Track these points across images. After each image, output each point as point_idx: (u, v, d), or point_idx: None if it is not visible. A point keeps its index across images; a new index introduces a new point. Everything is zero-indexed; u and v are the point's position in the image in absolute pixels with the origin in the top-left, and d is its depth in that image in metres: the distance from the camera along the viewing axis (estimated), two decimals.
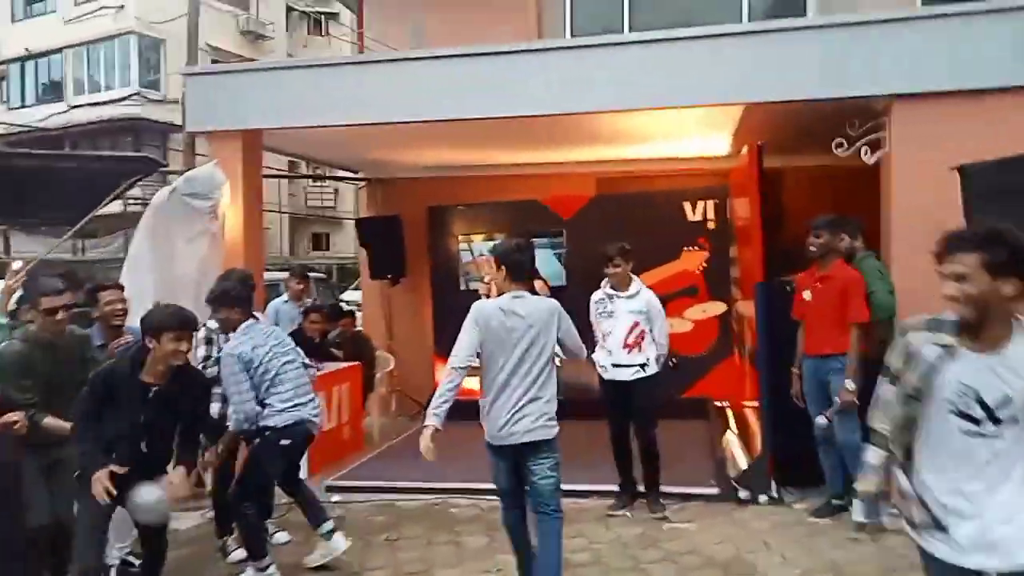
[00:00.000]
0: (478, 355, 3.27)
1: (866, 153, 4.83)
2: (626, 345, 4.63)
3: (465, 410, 3.59)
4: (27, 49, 20.95)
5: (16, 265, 6.03)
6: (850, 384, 4.16)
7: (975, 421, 1.88)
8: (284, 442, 3.83)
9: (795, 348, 4.63)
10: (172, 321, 3.06)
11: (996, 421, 1.87)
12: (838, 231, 4.43)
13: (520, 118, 5.33)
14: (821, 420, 4.29)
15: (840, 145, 4.90)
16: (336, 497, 5.07)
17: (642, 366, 4.61)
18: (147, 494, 3.10)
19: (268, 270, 8.22)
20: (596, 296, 4.83)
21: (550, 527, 3.26)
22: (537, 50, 5.59)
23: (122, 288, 3.98)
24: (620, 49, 5.37)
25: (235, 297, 3.88)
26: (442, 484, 5.00)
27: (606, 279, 4.75)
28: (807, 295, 4.50)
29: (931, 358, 1.92)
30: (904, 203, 4.48)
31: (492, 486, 4.83)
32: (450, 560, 4.12)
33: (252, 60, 20.17)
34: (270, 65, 7.72)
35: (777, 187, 7.53)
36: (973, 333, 1.89)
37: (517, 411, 3.20)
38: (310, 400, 3.98)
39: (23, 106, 21.25)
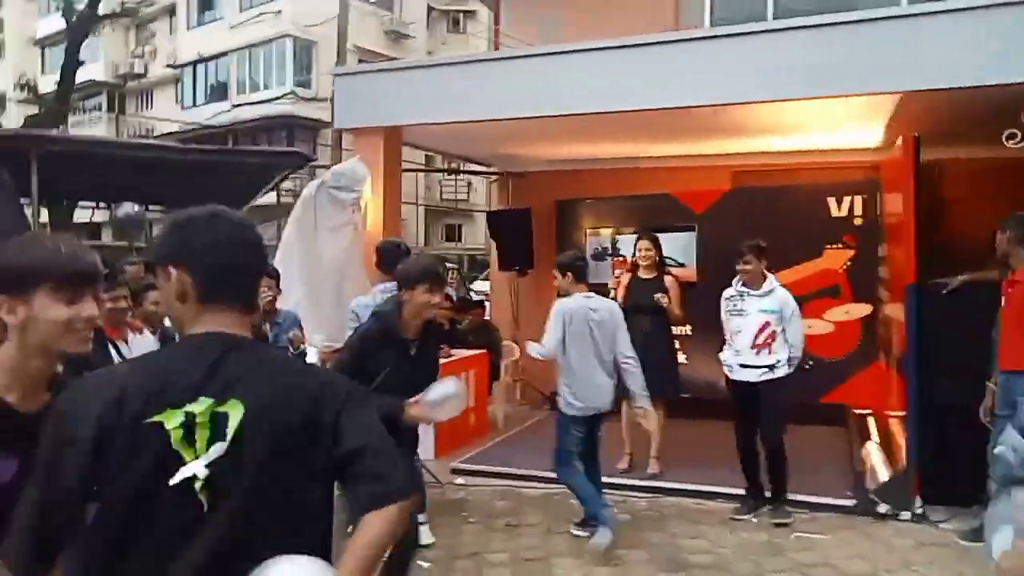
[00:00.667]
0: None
1: None
2: (755, 345, 4.48)
3: None
4: (199, 53, 23.07)
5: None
6: None
7: None
8: None
9: (980, 358, 4.22)
10: (425, 274, 3.12)
11: None
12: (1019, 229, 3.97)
13: (657, 111, 5.25)
14: (1002, 451, 3.82)
15: (1013, 136, 4.45)
16: (460, 480, 5.25)
17: (771, 367, 4.44)
18: (444, 387, 3.02)
19: None
20: (727, 293, 4.69)
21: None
22: (674, 41, 5.47)
23: (272, 276, 4.30)
24: (762, 37, 5.15)
25: None
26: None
27: (738, 276, 4.60)
28: (1003, 301, 4.08)
29: None
30: None
31: (615, 480, 4.93)
32: (568, 550, 4.16)
33: (395, 59, 21.15)
34: (408, 64, 8.05)
35: (936, 181, 6.94)
36: None
37: (600, 387, 4.16)
38: None
39: (194, 106, 23.43)
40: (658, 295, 5.19)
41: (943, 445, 4.44)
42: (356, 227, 5.23)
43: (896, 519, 4.41)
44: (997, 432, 3.83)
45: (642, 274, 5.37)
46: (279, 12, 21.46)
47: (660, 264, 5.39)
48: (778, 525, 4.35)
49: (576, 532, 4.29)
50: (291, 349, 4.54)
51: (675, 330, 5.73)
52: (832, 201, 6.84)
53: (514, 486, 5.18)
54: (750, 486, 4.59)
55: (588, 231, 7.83)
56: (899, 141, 5.07)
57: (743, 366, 4.51)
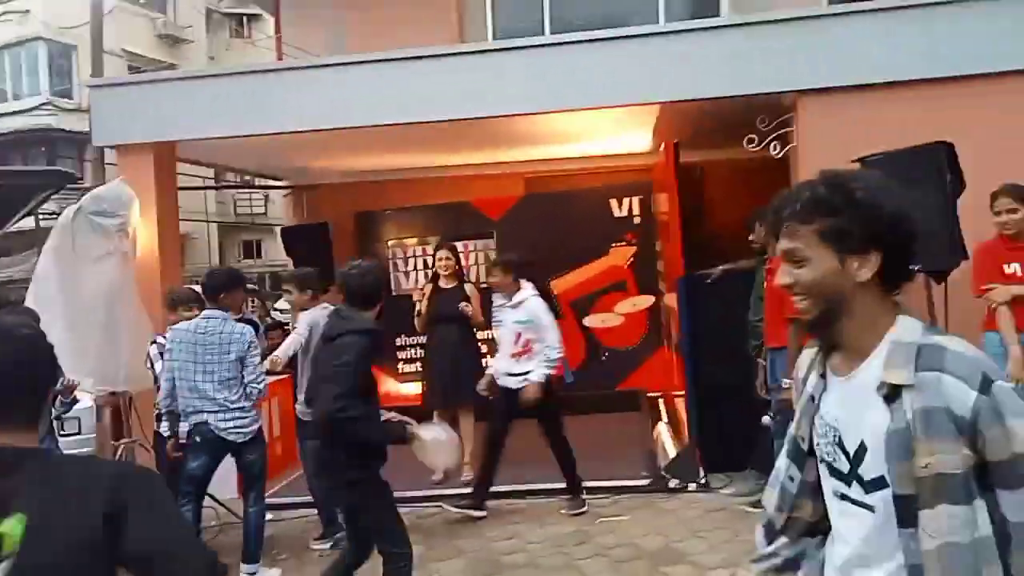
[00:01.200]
0: None
1: (775, 148, 5.00)
2: (513, 355, 4.71)
3: None
4: None
5: None
6: (785, 381, 4.10)
7: (843, 479, 1.26)
8: None
9: (741, 338, 4.69)
10: None
11: (861, 481, 1.22)
12: None
13: (442, 123, 5.33)
14: (766, 420, 4.24)
15: (751, 141, 5.06)
16: (269, 515, 4.96)
17: (527, 375, 4.62)
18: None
19: (197, 280, 7.98)
20: (494, 304, 4.90)
21: None
22: (457, 54, 5.58)
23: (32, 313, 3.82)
24: (538, 52, 5.42)
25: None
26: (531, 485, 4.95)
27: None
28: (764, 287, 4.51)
29: (811, 386, 1.34)
30: None
31: (423, 493, 4.94)
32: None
33: (171, 65, 19.55)
34: (180, 75, 7.49)
35: (698, 181, 7.74)
36: (827, 342, 1.31)
37: None
38: None
39: None
40: (463, 304, 5.29)
41: (719, 419, 4.95)
42: (125, 255, 4.73)
43: (685, 491, 4.84)
44: (775, 404, 4.30)
45: (443, 284, 5.43)
46: (27, 11, 19.00)
47: (460, 273, 5.50)
48: (576, 515, 4.58)
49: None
50: (60, 399, 4.05)
51: (479, 335, 5.87)
52: (614, 202, 7.38)
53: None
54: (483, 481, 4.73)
55: (390, 242, 7.77)
56: (662, 147, 5.58)
57: (507, 374, 4.72)
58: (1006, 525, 1.14)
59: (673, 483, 4.89)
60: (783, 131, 4.98)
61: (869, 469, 1.21)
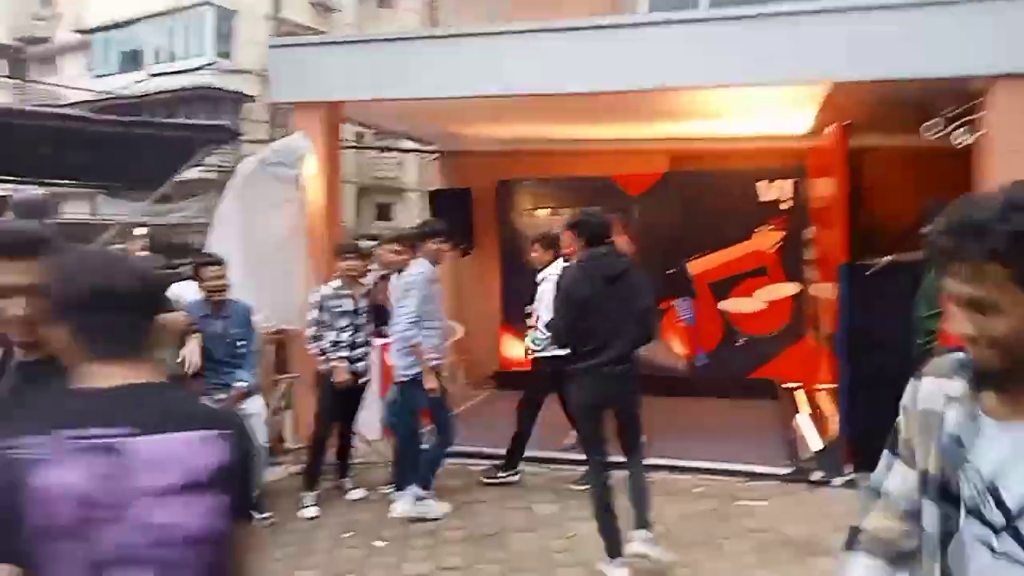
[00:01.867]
0: None
1: (962, 135, 4.66)
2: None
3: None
4: (111, 19, 21.69)
5: (139, 232, 6.41)
6: None
7: (993, 529, 1.11)
8: None
9: (903, 333, 4.48)
10: None
11: (1018, 536, 1.08)
12: None
13: (596, 94, 5.32)
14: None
15: (931, 128, 4.74)
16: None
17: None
18: None
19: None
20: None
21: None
22: (614, 26, 5.54)
23: (220, 263, 4.25)
24: (698, 25, 5.29)
25: None
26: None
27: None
28: None
29: (953, 426, 1.17)
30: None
31: (561, 455, 5.06)
32: (523, 525, 4.25)
33: (321, 32, 20.49)
34: (353, 38, 7.87)
35: (857, 168, 7.34)
36: (1000, 389, 1.13)
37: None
38: None
39: (106, 74, 22.05)
40: None
41: (871, 416, 4.73)
42: (300, 203, 5.09)
43: (828, 485, 4.70)
44: None
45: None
46: None
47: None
48: (494, 483, 4.85)
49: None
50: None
51: None
52: (762, 185, 7.14)
53: (464, 464, 5.22)
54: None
55: (526, 212, 7.90)
56: (829, 129, 5.33)
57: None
58: None
59: (816, 475, 4.75)
60: (971, 117, 4.63)
61: None
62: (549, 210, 7.83)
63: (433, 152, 8.47)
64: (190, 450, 1.19)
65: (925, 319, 4.42)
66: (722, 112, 6.35)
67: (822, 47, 4.84)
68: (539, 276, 5.00)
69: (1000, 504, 1.09)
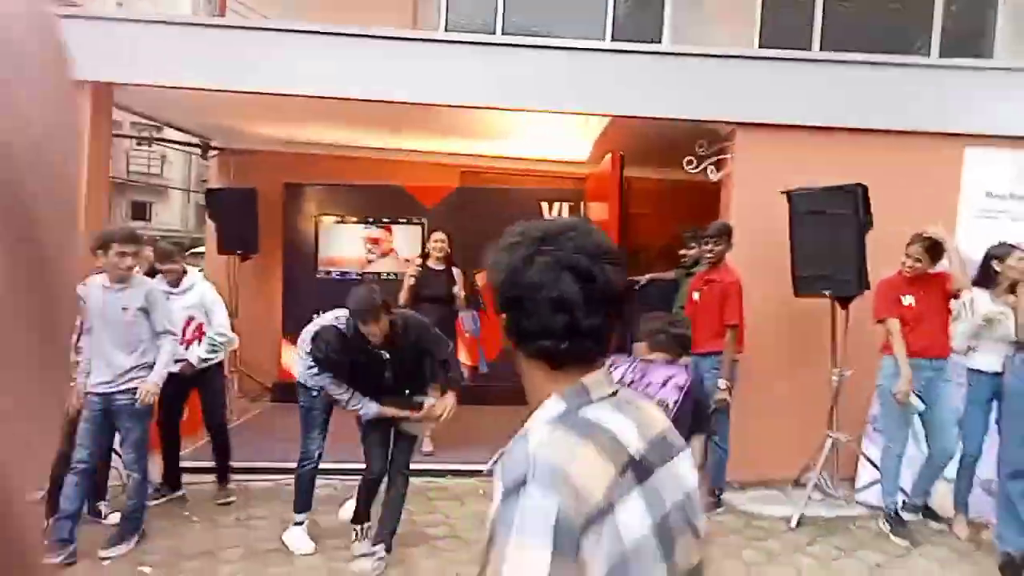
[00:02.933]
0: None
1: (712, 171, 5.42)
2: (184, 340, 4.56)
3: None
4: None
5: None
6: (722, 383, 4.49)
7: None
8: None
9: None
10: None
11: None
12: (727, 238, 4.68)
13: (386, 103, 5.39)
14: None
15: (691, 162, 5.45)
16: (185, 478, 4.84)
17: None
18: None
19: None
20: None
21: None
22: (411, 39, 5.65)
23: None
24: (492, 50, 5.59)
25: None
26: (289, 464, 4.93)
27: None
28: (696, 296, 4.76)
29: None
30: (741, 216, 5.09)
31: (344, 465, 4.98)
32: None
33: (76, 5, 18.21)
34: (123, 16, 7.12)
35: (628, 195, 8.16)
36: None
37: None
38: None
39: None
40: (456, 287, 5.44)
41: None
42: None
43: None
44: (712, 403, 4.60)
45: (432, 264, 5.49)
46: None
47: (450, 256, 5.56)
48: (223, 504, 4.63)
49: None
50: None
51: None
52: (545, 206, 7.65)
53: (238, 480, 4.94)
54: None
55: (316, 217, 7.70)
56: (607, 158, 5.90)
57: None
58: None
59: None
60: (720, 157, 5.40)
61: None
62: (338, 217, 7.71)
63: (207, 147, 7.92)
64: None
65: None
66: (511, 134, 6.74)
67: (600, 83, 5.37)
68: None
69: None
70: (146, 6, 21.74)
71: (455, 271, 5.59)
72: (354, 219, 7.72)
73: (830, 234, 4.38)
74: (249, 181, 7.59)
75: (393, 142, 7.50)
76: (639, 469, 0.98)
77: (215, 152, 7.93)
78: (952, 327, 4.29)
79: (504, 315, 1.09)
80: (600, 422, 1.00)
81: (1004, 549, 3.93)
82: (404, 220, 7.62)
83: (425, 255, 5.62)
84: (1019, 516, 3.84)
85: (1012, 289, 4.07)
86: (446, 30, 7.60)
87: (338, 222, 7.73)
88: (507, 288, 1.07)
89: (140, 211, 23.49)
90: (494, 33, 7.47)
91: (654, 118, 5.34)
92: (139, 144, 21.50)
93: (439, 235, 5.57)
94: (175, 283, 4.60)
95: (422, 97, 5.38)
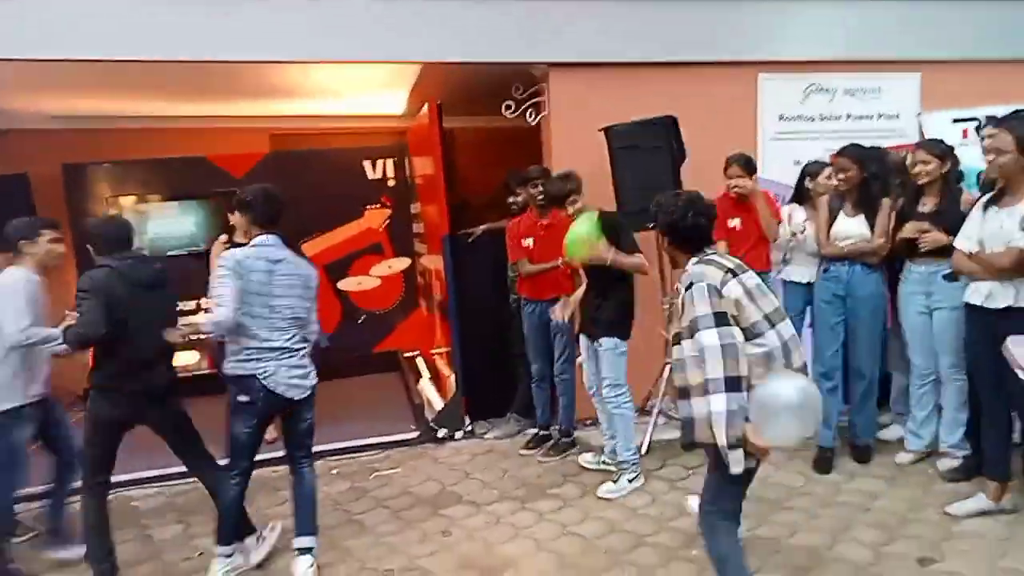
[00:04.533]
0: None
1: (530, 115, 5.34)
2: None
3: None
4: None
5: None
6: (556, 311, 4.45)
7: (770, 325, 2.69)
8: None
9: (500, 294, 4.99)
10: None
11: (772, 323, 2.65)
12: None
13: (178, 63, 4.78)
14: (583, 359, 4.39)
15: (508, 107, 5.34)
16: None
17: None
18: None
19: None
20: None
21: None
22: None
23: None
24: None
25: None
26: (123, 476, 4.41)
27: None
28: (528, 242, 4.76)
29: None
30: (561, 159, 5.06)
31: (175, 470, 4.54)
32: (143, 555, 3.70)
33: None
34: None
35: (450, 146, 7.96)
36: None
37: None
38: None
39: None
40: None
41: (479, 370, 5.23)
42: None
43: (452, 440, 5.06)
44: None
45: (240, 239, 4.89)
46: None
47: None
48: None
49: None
50: None
51: None
52: (368, 164, 7.27)
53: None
54: None
55: (109, 199, 6.83)
56: (424, 108, 5.64)
57: None
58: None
59: (441, 433, 5.07)
60: (536, 100, 5.33)
61: None
62: (135, 196, 6.89)
63: None
64: None
65: (514, 278, 5.03)
66: (322, 90, 6.28)
67: (410, 29, 5.07)
68: None
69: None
70: None
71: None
72: (156, 198, 6.94)
73: (647, 167, 4.46)
74: (19, 165, 6.56)
75: (191, 109, 6.77)
76: (732, 273, 2.53)
77: None
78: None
79: (668, 233, 2.71)
80: (711, 260, 2.59)
81: (816, 444, 4.30)
82: (212, 193, 6.94)
83: (231, 229, 5.13)
84: (829, 413, 4.21)
85: None
86: None
87: (137, 203, 6.92)
88: (675, 221, 2.67)
89: None
90: None
91: (466, 63, 5.14)
92: None
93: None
94: None
95: (217, 54, 4.80)
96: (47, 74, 4.92)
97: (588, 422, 5.12)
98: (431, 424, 5.18)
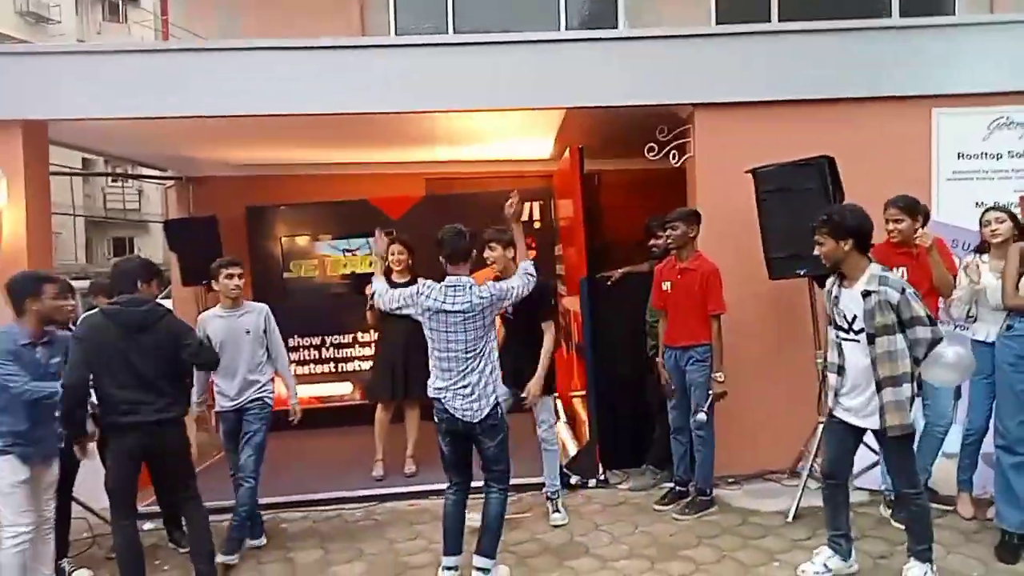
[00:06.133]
0: None
1: (674, 157, 5.22)
2: None
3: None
4: None
5: None
6: (719, 375, 4.31)
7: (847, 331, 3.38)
8: None
9: (638, 338, 4.87)
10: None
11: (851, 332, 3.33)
12: (693, 223, 4.49)
13: (341, 115, 5.18)
14: (701, 416, 4.32)
15: (651, 150, 5.25)
16: (148, 525, 4.62)
17: None
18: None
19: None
20: None
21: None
22: (360, 47, 5.45)
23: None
24: (443, 50, 5.39)
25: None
26: (269, 499, 4.73)
27: None
28: (667, 286, 4.55)
29: (835, 292, 3.51)
30: (707, 201, 4.89)
31: (324, 496, 4.81)
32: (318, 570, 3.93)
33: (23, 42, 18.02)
34: (52, 49, 6.90)
35: (596, 189, 7.96)
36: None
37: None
38: None
39: None
40: None
41: (615, 417, 5.10)
42: None
43: (585, 487, 4.94)
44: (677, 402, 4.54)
45: (396, 278, 5.30)
46: None
47: (411, 267, 5.42)
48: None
49: None
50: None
51: None
52: None
53: (216, 520, 4.70)
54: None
55: (283, 239, 7.49)
56: (566, 153, 5.69)
57: None
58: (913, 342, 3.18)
59: (574, 480, 4.98)
60: (681, 141, 5.20)
61: None
62: (308, 236, 7.51)
63: (168, 178, 7.71)
64: None
65: (653, 323, 4.87)
66: (473, 137, 6.54)
67: (557, 75, 5.16)
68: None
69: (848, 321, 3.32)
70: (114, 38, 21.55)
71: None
72: (327, 237, 7.51)
73: (799, 211, 4.17)
74: (210, 208, 7.39)
75: (354, 156, 7.30)
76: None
77: (171, 182, 7.71)
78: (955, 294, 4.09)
79: (851, 239, 3.26)
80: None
81: (1000, 526, 3.74)
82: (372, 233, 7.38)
83: (388, 270, 5.41)
84: (1014, 490, 3.65)
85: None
86: (396, 34, 7.40)
87: (311, 241, 7.51)
88: (856, 228, 3.28)
89: (121, 247, 23.25)
90: (446, 33, 7.27)
91: (610, 107, 5.14)
92: (114, 181, 21.29)
93: (397, 247, 5.37)
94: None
95: (377, 106, 5.18)
96: (234, 128, 5.50)
97: (731, 480, 4.82)
98: (564, 470, 5.09)
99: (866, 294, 3.18)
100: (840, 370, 3.36)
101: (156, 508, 4.49)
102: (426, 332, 3.64)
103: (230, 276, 4.28)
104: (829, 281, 3.44)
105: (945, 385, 3.75)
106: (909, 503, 3.37)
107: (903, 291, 3.14)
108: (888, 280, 3.17)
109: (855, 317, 3.25)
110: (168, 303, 4.96)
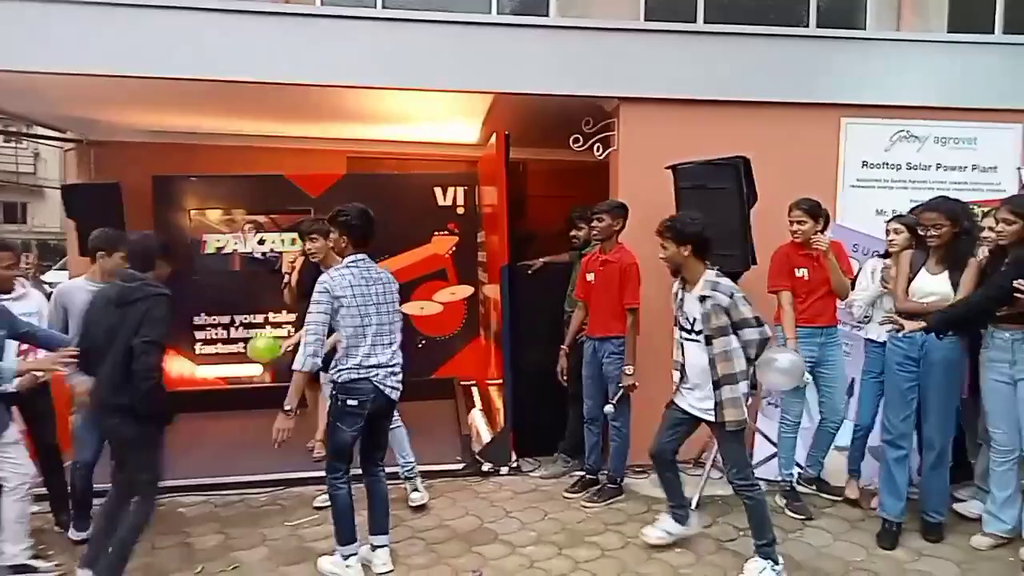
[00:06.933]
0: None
1: (598, 150, 5.27)
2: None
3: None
4: None
5: None
6: (629, 369, 4.36)
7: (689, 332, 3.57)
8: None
9: (556, 328, 4.90)
10: None
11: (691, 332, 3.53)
12: (619, 216, 4.53)
13: (253, 84, 4.95)
14: (608, 408, 4.38)
15: (576, 141, 5.28)
16: (36, 507, 4.32)
17: None
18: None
19: None
20: None
21: None
22: (283, 13, 5.22)
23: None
24: (369, 24, 5.23)
25: None
26: (168, 483, 4.51)
27: None
28: (591, 277, 4.57)
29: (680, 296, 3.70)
30: (628, 194, 4.96)
31: (224, 480, 4.64)
32: (180, 564, 3.75)
33: None
34: None
35: (521, 177, 7.97)
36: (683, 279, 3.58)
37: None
38: None
39: None
40: None
41: (530, 405, 5.12)
42: None
43: (497, 475, 4.95)
44: (592, 392, 4.57)
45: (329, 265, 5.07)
46: None
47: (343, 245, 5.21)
48: None
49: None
50: None
51: None
52: (439, 191, 7.35)
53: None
54: None
55: (192, 212, 7.14)
56: (492, 138, 5.65)
57: None
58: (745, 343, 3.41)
59: (486, 467, 4.98)
60: (606, 134, 5.25)
61: None
62: (220, 211, 7.18)
63: (68, 140, 7.22)
64: None
65: (572, 313, 4.91)
66: (399, 116, 6.39)
67: (482, 59, 5.11)
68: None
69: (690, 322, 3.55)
70: None
71: None
72: (239, 212, 7.21)
73: (715, 209, 4.29)
74: (113, 175, 6.95)
75: (272, 129, 7.03)
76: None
77: (71, 145, 7.22)
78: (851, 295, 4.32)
79: (689, 245, 3.45)
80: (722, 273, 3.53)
81: (882, 515, 3.98)
82: (288, 210, 7.15)
83: (315, 265, 5.23)
84: (896, 482, 3.89)
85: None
86: (323, 3, 7.15)
87: (221, 216, 7.20)
88: (695, 235, 3.46)
89: (12, 213, 21.67)
90: (374, 7, 7.08)
91: (537, 94, 5.13)
92: (6, 141, 19.86)
93: (316, 244, 5.18)
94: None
95: (300, 77, 4.97)
96: (143, 91, 5.18)
97: (639, 469, 4.93)
98: (477, 456, 5.09)
99: (702, 299, 3.41)
100: (682, 368, 3.59)
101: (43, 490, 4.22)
102: (347, 315, 3.45)
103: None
104: (675, 285, 3.62)
105: (778, 388, 4.16)
106: (742, 495, 3.51)
107: (731, 295, 3.37)
108: (719, 285, 3.40)
109: (695, 319, 3.46)
110: (63, 275, 4.62)
